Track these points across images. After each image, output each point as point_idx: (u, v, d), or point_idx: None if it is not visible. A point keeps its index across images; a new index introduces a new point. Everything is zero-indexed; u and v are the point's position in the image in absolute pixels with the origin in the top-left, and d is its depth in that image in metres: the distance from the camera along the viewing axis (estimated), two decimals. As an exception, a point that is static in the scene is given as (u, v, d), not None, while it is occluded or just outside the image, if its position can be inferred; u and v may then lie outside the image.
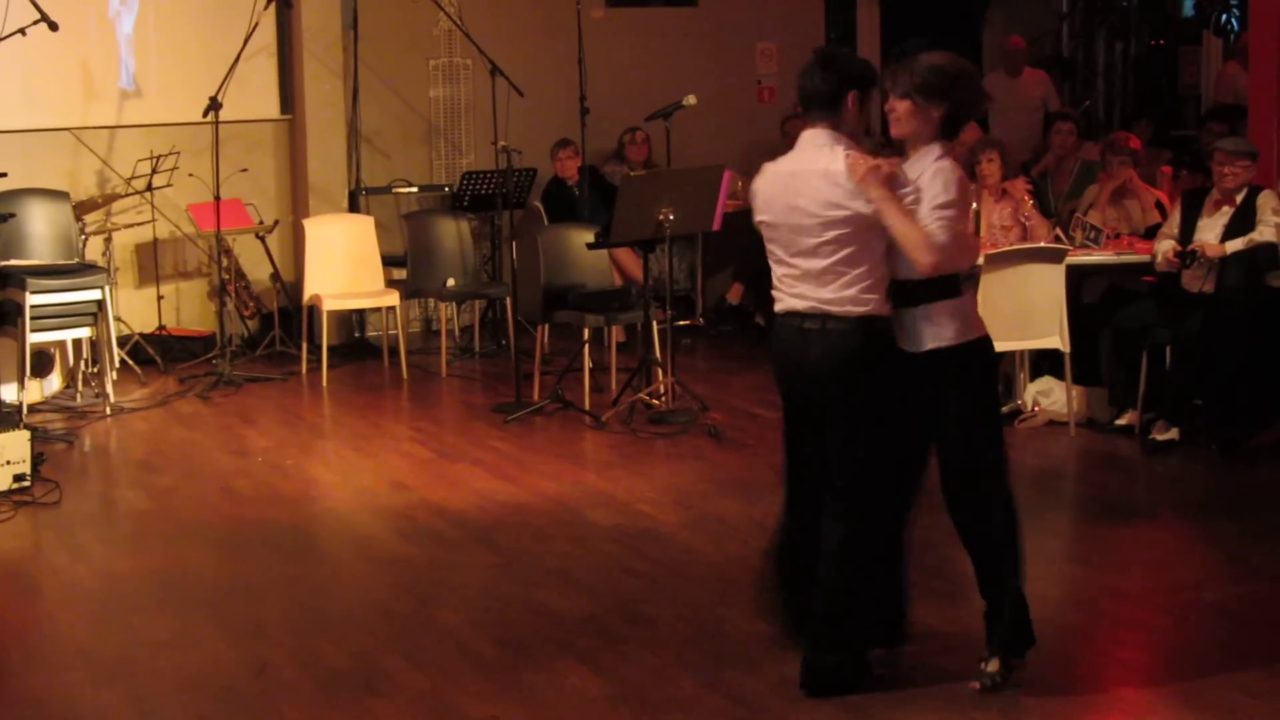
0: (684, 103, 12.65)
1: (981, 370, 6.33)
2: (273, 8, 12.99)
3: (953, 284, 6.23)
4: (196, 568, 8.07)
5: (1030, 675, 6.37)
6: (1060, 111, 13.90)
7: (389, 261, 13.06)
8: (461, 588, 7.67)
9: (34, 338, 10.97)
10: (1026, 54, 15.55)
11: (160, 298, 12.88)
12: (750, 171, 15.88)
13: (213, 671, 6.66)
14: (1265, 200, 9.95)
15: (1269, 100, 11.13)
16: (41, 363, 11.42)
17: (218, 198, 12.01)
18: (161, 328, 12.83)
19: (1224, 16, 16.83)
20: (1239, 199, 10.01)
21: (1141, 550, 8.18)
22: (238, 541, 8.48)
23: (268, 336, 13.01)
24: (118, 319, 12.11)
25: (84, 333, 11.31)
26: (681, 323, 13.15)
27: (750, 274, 13.86)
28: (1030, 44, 15.88)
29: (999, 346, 7.64)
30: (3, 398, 10.68)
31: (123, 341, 12.33)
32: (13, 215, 11.36)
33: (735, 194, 13.65)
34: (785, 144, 14.58)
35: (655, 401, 10.78)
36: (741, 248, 13.96)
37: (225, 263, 12.71)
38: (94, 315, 11.23)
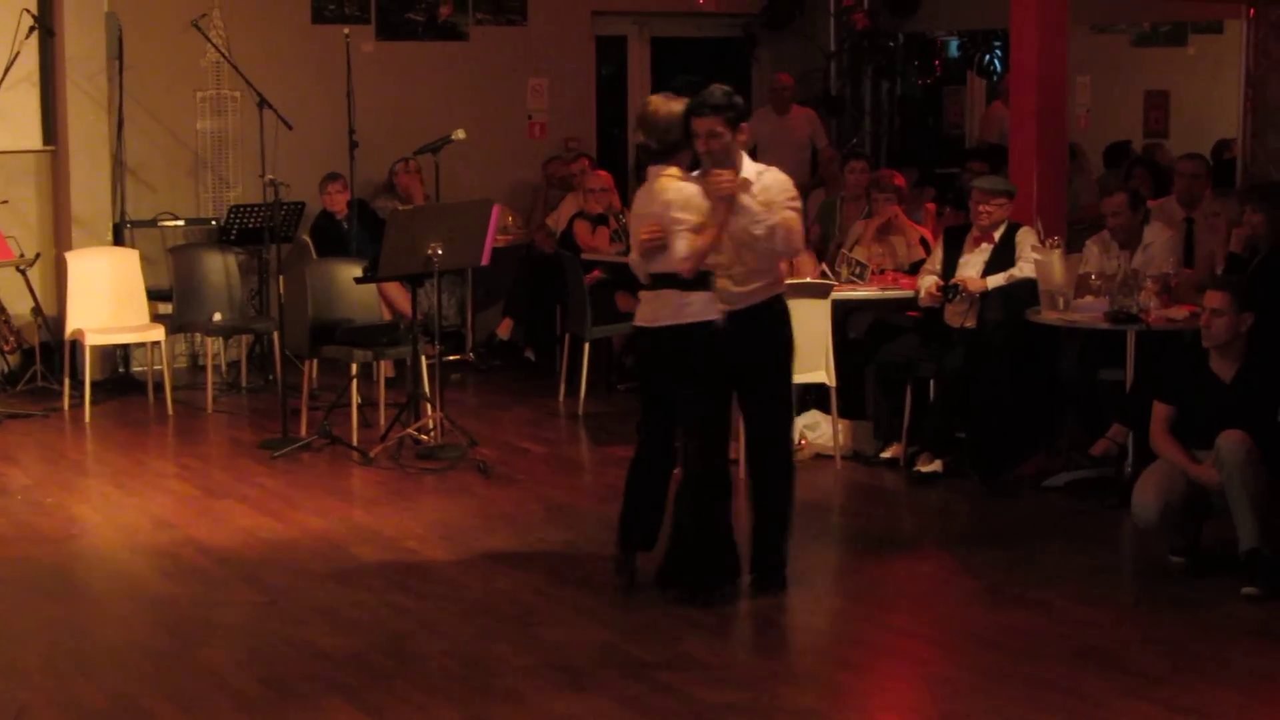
0: (453, 137, 12.61)
1: None
2: (35, 36, 12.75)
3: None
4: (-50, 609, 7.87)
5: (798, 707, 6.44)
6: (852, 150, 14.13)
7: (154, 295, 12.84)
8: (226, 626, 7.56)
9: None
10: (794, 92, 15.73)
11: (-84, 332, 12.57)
12: (520, 207, 15.86)
13: (-35, 716, 6.50)
14: (1024, 237, 10.16)
15: (1028, 139, 11.37)
16: None
17: (-24, 230, 11.78)
18: (-83, 363, 12.53)
19: (987, 58, 17.21)
20: (998, 236, 10.20)
21: (906, 581, 8.30)
22: (-6, 581, 8.29)
23: (28, 372, 12.72)
24: None
25: None
26: (451, 358, 13.12)
27: (521, 309, 13.84)
28: (799, 82, 16.07)
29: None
30: None
31: (-124, 377, 12.03)
32: None
33: (505, 229, 13.65)
34: (545, 182, 14.64)
35: (424, 437, 10.73)
36: (512, 283, 13.96)
37: (-16, 296, 12.46)
38: None
